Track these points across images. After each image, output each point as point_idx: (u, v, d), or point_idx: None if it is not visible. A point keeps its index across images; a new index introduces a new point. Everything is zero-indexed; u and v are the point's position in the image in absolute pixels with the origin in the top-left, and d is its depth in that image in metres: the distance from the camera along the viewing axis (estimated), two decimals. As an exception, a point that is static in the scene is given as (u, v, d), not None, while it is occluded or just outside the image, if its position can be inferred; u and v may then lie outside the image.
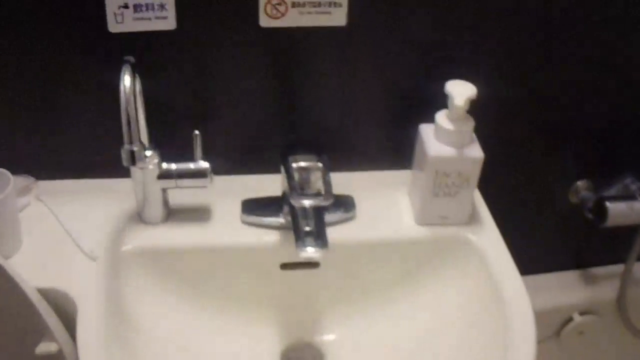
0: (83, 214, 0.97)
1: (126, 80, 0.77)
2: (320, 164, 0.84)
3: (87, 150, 0.99)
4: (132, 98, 0.77)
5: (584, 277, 1.30)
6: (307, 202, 0.81)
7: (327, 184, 0.83)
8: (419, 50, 0.94)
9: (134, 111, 0.78)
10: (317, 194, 0.83)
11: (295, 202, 0.81)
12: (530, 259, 1.22)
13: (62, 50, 0.88)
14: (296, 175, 0.83)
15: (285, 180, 0.85)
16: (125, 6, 0.88)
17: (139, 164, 0.82)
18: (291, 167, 0.84)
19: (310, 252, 0.82)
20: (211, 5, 0.89)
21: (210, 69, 0.94)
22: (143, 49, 0.91)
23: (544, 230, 1.21)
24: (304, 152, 0.86)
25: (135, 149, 0.80)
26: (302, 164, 0.84)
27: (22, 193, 1.00)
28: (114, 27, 0.88)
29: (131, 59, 0.82)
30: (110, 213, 0.97)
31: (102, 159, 0.99)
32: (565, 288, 1.28)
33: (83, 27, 0.87)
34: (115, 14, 0.88)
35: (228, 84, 0.95)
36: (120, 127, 0.80)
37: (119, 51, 0.87)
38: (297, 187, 0.83)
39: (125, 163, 0.81)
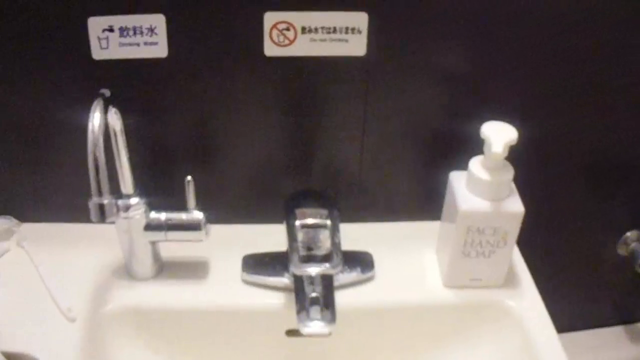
0: (66, 264, 0.83)
1: (95, 118, 0.63)
2: (328, 222, 0.68)
3: (74, 192, 0.85)
4: (100, 139, 0.62)
5: (631, 333, 1.14)
6: (311, 270, 0.66)
7: (336, 246, 0.67)
8: (450, 85, 0.80)
9: (103, 155, 0.63)
10: (325, 257, 0.67)
11: (296, 270, 0.66)
12: (572, 314, 1.10)
13: (44, 82, 0.77)
14: (300, 235, 0.67)
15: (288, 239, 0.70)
16: (110, 29, 0.73)
17: (111, 219, 0.67)
18: (294, 226, 0.68)
19: (314, 327, 0.66)
20: (208, 30, 0.74)
21: (209, 104, 0.80)
22: (131, 80, 0.78)
23: (588, 284, 1.07)
24: (312, 204, 0.70)
25: (105, 201, 0.64)
26: (309, 221, 0.68)
27: (3, 236, 0.87)
28: (98, 53, 0.74)
29: (106, 92, 0.67)
30: (95, 265, 0.85)
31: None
32: (610, 345, 1.14)
33: (65, 54, 0.75)
34: (99, 39, 0.73)
35: (229, 120, 0.82)
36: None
37: (104, 82, 0.73)
38: (300, 248, 0.67)
39: (93, 218, 0.66)
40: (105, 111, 0.66)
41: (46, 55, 0.74)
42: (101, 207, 0.64)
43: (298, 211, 0.70)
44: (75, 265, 0.83)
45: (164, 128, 0.81)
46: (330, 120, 0.81)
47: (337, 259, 0.66)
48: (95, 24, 0.73)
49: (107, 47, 0.74)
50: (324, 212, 0.70)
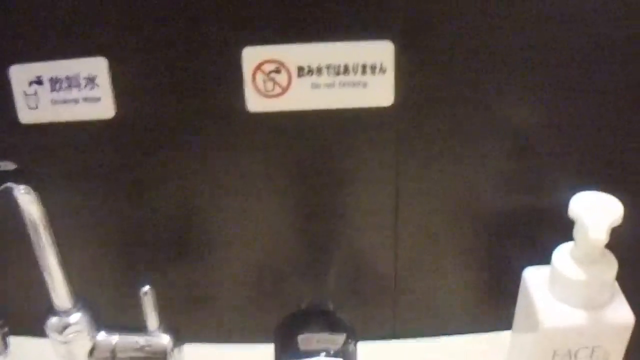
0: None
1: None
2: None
3: (16, 299, 0.65)
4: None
5: None
6: None
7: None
8: (515, 145, 0.59)
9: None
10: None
11: None
12: None
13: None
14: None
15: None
16: (39, 81, 0.52)
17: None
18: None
19: None
20: (168, 77, 0.53)
21: (182, 182, 0.59)
22: (69, 151, 0.57)
23: None
24: (321, 327, 0.46)
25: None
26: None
27: None
28: (25, 115, 0.54)
29: (9, 165, 0.45)
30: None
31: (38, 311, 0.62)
32: None
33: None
34: (25, 95, 0.52)
35: (212, 205, 0.60)
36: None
37: (37, 154, 0.56)
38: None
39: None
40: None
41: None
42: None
43: (303, 337, 0.45)
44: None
45: (120, 215, 0.60)
46: (349, 203, 0.60)
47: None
48: (20, 75, 0.52)
49: (36, 107, 0.53)
50: (340, 336, 0.45)
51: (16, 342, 0.61)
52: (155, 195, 0.58)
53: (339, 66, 0.52)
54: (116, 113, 0.54)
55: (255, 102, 0.53)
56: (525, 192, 0.61)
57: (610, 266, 0.53)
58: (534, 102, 0.56)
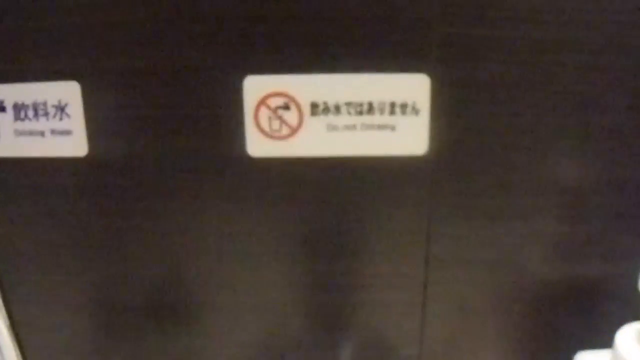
0: None
1: None
2: None
3: None
4: None
5: None
6: None
7: None
8: (567, 204, 0.48)
9: None
10: None
11: None
12: None
13: None
14: None
15: None
16: (1, 108, 0.43)
17: None
18: None
19: None
20: (152, 111, 0.43)
21: (159, 236, 0.48)
22: (36, 192, 0.47)
23: None
24: None
25: None
26: None
27: None
28: None
29: None
30: None
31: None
32: None
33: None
34: None
35: (193, 262, 0.49)
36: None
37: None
38: None
39: None
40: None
41: None
42: None
43: None
44: None
45: (92, 271, 0.49)
46: (368, 272, 0.49)
47: None
48: (-21, 100, 0.43)
49: (-3, 140, 0.44)
50: None
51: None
52: (134, 250, 0.48)
53: (361, 104, 0.41)
54: (90, 150, 0.44)
55: (257, 145, 0.43)
56: (579, 260, 0.51)
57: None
58: (591, 153, 0.47)
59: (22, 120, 0.44)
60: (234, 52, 0.41)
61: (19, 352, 0.48)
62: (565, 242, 0.50)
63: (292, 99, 0.41)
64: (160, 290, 0.50)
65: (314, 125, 0.42)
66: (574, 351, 0.49)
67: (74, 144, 0.44)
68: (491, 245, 0.48)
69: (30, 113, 0.44)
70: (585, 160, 0.47)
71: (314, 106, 0.42)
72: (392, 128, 0.42)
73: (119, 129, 0.44)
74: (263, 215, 0.46)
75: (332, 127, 0.42)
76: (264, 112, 0.42)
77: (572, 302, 0.53)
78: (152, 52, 0.42)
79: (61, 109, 0.43)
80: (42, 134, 0.44)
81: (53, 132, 0.44)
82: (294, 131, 0.42)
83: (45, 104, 0.43)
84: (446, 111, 0.42)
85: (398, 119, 0.42)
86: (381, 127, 0.42)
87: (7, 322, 0.44)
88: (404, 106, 0.41)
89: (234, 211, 0.46)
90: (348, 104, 0.41)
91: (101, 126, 0.44)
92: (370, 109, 0.42)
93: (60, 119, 0.44)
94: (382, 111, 0.42)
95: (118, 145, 0.44)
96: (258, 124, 0.42)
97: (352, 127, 0.42)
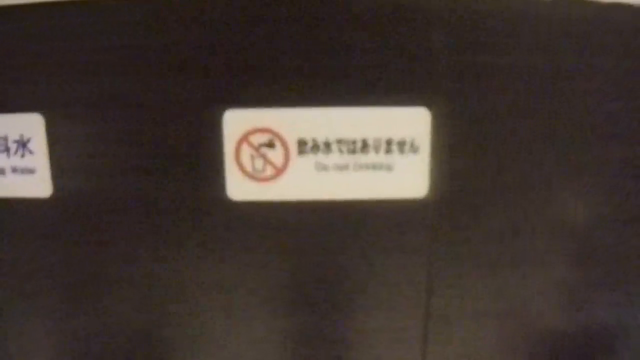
0: None
1: None
2: None
3: None
4: None
5: None
6: None
7: None
8: (580, 247, 0.43)
9: None
10: None
11: None
12: None
13: None
14: None
15: None
16: None
17: None
18: None
19: None
20: (122, 148, 0.38)
21: (133, 286, 0.43)
22: None
23: None
24: None
25: None
26: None
27: None
28: None
29: None
30: None
31: None
32: None
33: None
34: None
35: (170, 316, 0.44)
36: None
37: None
38: None
39: None
40: None
41: None
42: None
43: None
44: None
45: (61, 324, 0.44)
46: (361, 327, 0.43)
47: None
48: None
49: (-46, 179, 0.40)
50: None
51: None
52: (105, 302, 0.42)
53: (354, 141, 0.37)
54: (54, 191, 0.40)
55: (239, 187, 0.38)
56: (595, 309, 0.46)
57: None
58: (605, 190, 0.42)
59: (-19, 157, 0.40)
60: (212, 83, 0.37)
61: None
62: (577, 288, 0.45)
63: (277, 136, 0.37)
64: (134, 344, 0.45)
65: (302, 165, 0.37)
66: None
67: (37, 183, 0.39)
68: (497, 296, 0.43)
69: (-11, 149, 0.40)
70: (598, 198, 0.42)
71: (302, 144, 0.37)
72: (389, 168, 0.37)
73: (86, 167, 0.39)
74: (245, 265, 0.41)
75: (321, 167, 0.37)
76: (245, 151, 0.37)
77: (585, 353, 0.48)
78: (122, 83, 0.37)
79: (23, 144, 0.39)
80: (2, 171, 0.40)
81: (14, 170, 0.40)
82: (279, 172, 0.38)
83: (5, 138, 0.39)
84: (448, 148, 0.37)
85: (395, 158, 0.37)
86: (376, 167, 0.37)
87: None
88: (401, 143, 0.37)
89: (214, 259, 0.40)
90: (339, 142, 0.37)
91: (67, 164, 0.39)
92: (365, 146, 0.37)
93: (22, 155, 0.39)
94: (377, 149, 0.37)
95: (86, 186, 0.39)
96: (239, 164, 0.37)
97: (344, 167, 0.37)
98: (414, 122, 0.36)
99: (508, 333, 0.45)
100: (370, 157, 0.37)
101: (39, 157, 0.39)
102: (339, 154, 0.37)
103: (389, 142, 0.37)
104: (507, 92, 0.37)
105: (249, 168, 0.37)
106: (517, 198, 0.40)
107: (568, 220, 0.41)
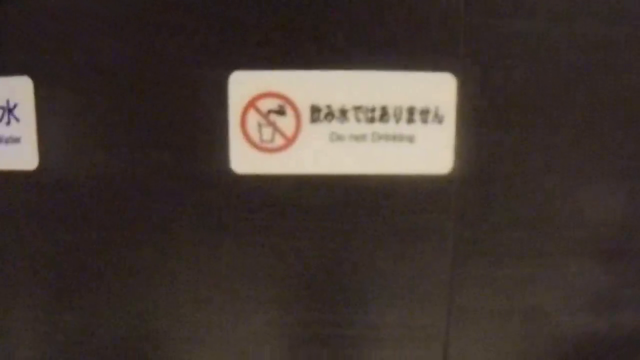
0: None
1: None
2: None
3: None
4: None
5: None
6: None
7: None
8: (609, 238, 0.38)
9: None
10: None
11: None
12: None
13: None
14: None
15: None
16: None
17: None
18: None
19: None
20: (114, 116, 0.34)
21: (124, 275, 0.39)
22: None
23: None
24: None
25: None
26: None
27: None
28: None
29: None
30: None
31: None
32: None
33: None
34: None
35: (164, 309, 0.39)
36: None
37: None
38: None
39: None
40: None
41: None
42: None
43: None
44: None
45: (43, 321, 0.40)
46: (377, 323, 0.38)
47: None
48: None
49: None
50: None
51: None
52: (95, 294, 0.38)
53: (373, 109, 0.33)
54: (41, 163, 0.36)
55: (244, 159, 0.34)
56: (629, 308, 0.40)
57: None
58: None
59: (-37, 125, 0.37)
60: (217, 42, 0.33)
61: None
62: (611, 284, 0.40)
63: (289, 101, 0.33)
64: (125, 343, 0.41)
65: (315, 135, 0.33)
66: None
67: (22, 154, 0.36)
68: (525, 290, 0.40)
69: (-28, 116, 0.37)
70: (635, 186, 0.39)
71: (315, 110, 0.33)
72: (411, 139, 0.33)
73: (77, 137, 0.35)
74: (249, 248, 0.36)
75: (336, 137, 0.33)
76: (253, 118, 0.33)
77: (618, 356, 0.44)
78: (119, 45, 0.34)
79: (9, 110, 0.35)
80: (-15, 142, 0.37)
81: (-2, 140, 0.37)
82: (289, 142, 0.34)
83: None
84: (476, 119, 0.34)
85: (418, 129, 0.33)
86: (397, 138, 0.33)
87: None
88: (425, 112, 0.33)
89: (213, 243, 0.36)
90: (357, 109, 0.33)
91: (56, 133, 0.35)
92: (384, 115, 0.33)
93: (8, 122, 0.35)
94: (398, 118, 0.33)
95: (75, 159, 0.36)
96: (245, 133, 0.34)
97: (361, 138, 0.33)
98: (438, 88, 0.33)
99: (533, 332, 0.40)
100: (390, 126, 0.33)
101: (26, 125, 0.35)
102: (355, 122, 0.33)
103: (410, 111, 0.33)
104: (543, 59, 0.34)
105: (255, 138, 0.34)
106: (549, 180, 0.36)
107: (603, 209, 0.38)
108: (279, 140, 0.34)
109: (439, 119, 0.33)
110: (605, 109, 0.35)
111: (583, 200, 0.36)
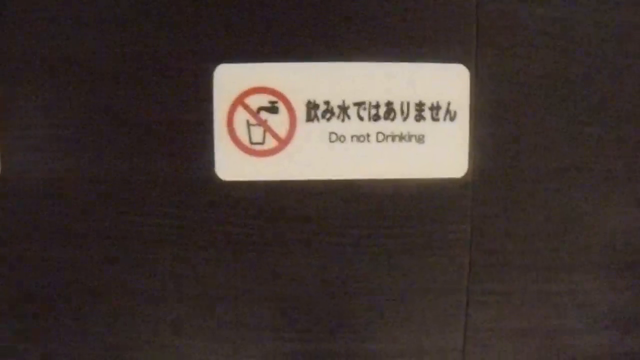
0: None
1: None
2: None
3: None
4: None
5: None
6: None
7: None
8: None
9: None
10: None
11: None
12: None
13: None
14: None
15: None
16: None
17: None
18: None
19: None
20: (86, 115, 0.31)
21: (97, 294, 0.34)
22: None
23: None
24: None
25: None
26: None
27: None
28: None
29: None
30: None
31: None
32: None
33: None
34: None
35: (156, 341, 0.35)
36: None
37: None
38: None
39: None
40: None
41: None
42: None
43: None
44: None
45: (8, 344, 0.35)
46: (382, 349, 0.35)
47: None
48: None
49: None
50: None
51: None
52: (60, 319, 0.35)
53: (377, 105, 0.30)
54: (2, 169, 0.33)
55: (231, 164, 0.31)
56: None
57: None
58: None
59: None
60: (203, 33, 0.30)
61: None
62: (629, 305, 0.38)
63: (281, 97, 0.30)
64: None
65: (311, 135, 0.30)
66: None
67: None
68: (541, 307, 0.36)
69: None
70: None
71: (312, 107, 0.30)
72: (420, 139, 0.31)
73: (43, 140, 0.32)
74: (236, 265, 0.33)
75: (336, 138, 0.31)
76: (241, 116, 0.30)
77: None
78: (93, 36, 0.31)
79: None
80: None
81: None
82: (282, 143, 0.31)
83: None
84: (493, 116, 0.31)
85: (427, 127, 0.30)
86: (404, 137, 0.31)
87: None
88: (435, 108, 0.30)
89: (197, 261, 0.33)
90: (359, 105, 0.30)
91: (20, 137, 0.32)
92: (390, 112, 0.30)
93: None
94: (405, 115, 0.30)
95: (40, 163, 0.32)
96: (232, 133, 0.30)
97: (364, 138, 0.31)
98: (450, 81, 0.30)
99: (557, 353, 0.37)
100: (397, 125, 0.30)
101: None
102: (358, 120, 0.30)
103: (419, 107, 0.30)
104: (561, 50, 0.31)
105: (244, 139, 0.30)
106: (572, 184, 0.33)
107: (627, 216, 0.34)
108: (271, 142, 0.30)
109: (451, 115, 0.30)
110: (634, 102, 0.32)
111: (608, 207, 0.33)
